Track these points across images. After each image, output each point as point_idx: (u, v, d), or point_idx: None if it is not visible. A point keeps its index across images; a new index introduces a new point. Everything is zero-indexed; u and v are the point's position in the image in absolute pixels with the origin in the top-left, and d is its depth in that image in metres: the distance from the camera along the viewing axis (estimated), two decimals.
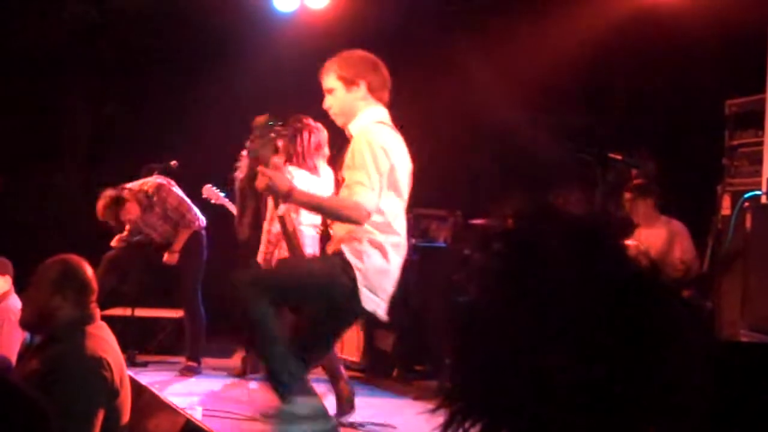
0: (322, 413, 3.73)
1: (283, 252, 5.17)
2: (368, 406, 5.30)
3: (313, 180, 5.25)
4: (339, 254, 3.61)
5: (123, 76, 8.53)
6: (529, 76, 7.18)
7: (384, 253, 3.63)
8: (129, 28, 8.31)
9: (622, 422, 0.88)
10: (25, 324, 3.56)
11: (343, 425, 4.85)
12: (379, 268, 3.62)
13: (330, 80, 3.76)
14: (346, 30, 7.57)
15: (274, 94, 7.51)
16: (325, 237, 4.10)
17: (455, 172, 7.87)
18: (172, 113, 8.17)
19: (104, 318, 3.49)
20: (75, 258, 3.48)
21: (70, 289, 3.34)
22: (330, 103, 3.78)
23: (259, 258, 5.38)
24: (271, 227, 5.26)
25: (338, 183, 5.41)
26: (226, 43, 8.20)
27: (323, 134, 5.37)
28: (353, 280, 3.56)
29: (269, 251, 5.30)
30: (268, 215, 5.32)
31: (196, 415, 4.86)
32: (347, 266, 3.57)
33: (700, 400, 0.91)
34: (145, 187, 6.47)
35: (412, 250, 6.19)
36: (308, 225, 5.24)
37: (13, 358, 4.51)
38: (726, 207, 5.44)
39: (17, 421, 1.83)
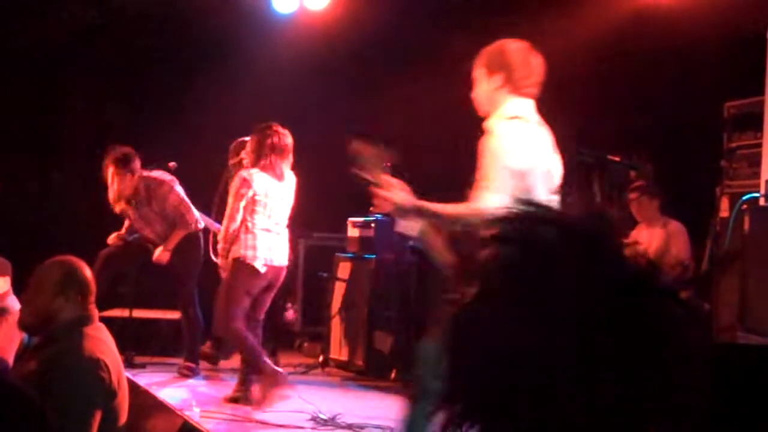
0: None
1: (237, 250, 5.34)
2: (366, 408, 5.30)
3: (274, 184, 5.36)
4: None
5: (123, 76, 8.52)
6: None
7: None
8: (129, 28, 8.30)
9: (622, 422, 0.88)
10: (24, 325, 3.54)
11: (341, 426, 4.85)
12: None
13: (476, 71, 3.69)
14: (345, 31, 7.56)
15: (274, 94, 7.50)
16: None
17: (455, 172, 7.85)
18: (172, 113, 8.17)
19: (102, 319, 3.48)
20: (75, 259, 3.47)
21: (73, 291, 3.33)
22: (474, 93, 3.72)
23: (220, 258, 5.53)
24: (229, 225, 5.36)
25: (298, 188, 5.54)
26: (225, 43, 8.20)
27: (289, 140, 5.48)
28: None
29: (225, 248, 5.44)
30: (227, 213, 5.43)
31: (194, 416, 4.86)
32: None
33: (700, 400, 0.91)
34: (151, 183, 6.42)
35: (411, 251, 6.20)
36: (261, 229, 5.38)
37: (11, 359, 4.50)
38: (724, 209, 5.45)
39: (15, 421, 1.83)
